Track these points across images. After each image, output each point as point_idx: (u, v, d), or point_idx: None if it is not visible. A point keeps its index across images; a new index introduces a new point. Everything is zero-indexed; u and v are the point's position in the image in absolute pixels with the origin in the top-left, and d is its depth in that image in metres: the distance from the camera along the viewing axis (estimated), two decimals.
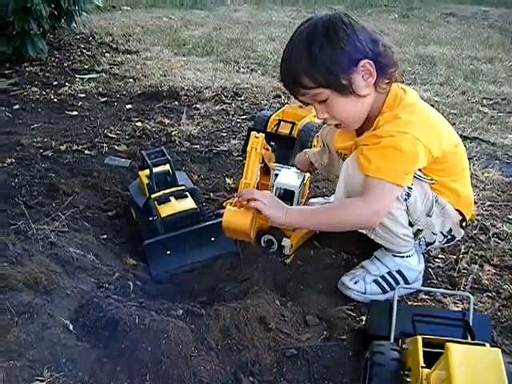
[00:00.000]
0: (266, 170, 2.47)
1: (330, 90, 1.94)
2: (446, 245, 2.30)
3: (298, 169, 2.56)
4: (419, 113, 1.99)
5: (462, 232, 2.24)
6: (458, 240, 2.48)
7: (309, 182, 2.69)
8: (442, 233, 2.17)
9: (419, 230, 2.12)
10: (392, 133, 1.91)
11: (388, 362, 1.56)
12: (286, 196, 2.35)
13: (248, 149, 2.10)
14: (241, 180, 2.06)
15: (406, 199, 2.01)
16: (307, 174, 2.59)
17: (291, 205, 2.32)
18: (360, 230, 2.15)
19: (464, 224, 2.18)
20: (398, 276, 2.16)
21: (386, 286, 2.16)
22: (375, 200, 1.96)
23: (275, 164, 2.52)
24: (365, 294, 2.14)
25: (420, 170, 2.01)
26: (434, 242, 2.19)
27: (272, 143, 2.38)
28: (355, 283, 2.16)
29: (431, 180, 2.05)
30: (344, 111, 2.02)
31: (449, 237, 2.20)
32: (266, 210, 2.00)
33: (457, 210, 2.13)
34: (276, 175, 2.46)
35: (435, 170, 2.04)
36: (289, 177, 2.42)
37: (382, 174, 1.92)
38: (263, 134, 2.13)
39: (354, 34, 1.90)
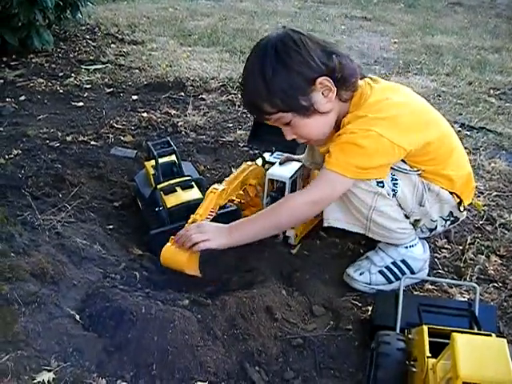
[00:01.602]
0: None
1: (291, 113, 1.95)
2: (451, 226, 2.31)
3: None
4: (386, 109, 1.94)
5: (465, 213, 2.26)
6: (465, 231, 2.50)
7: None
8: (442, 217, 2.18)
9: (417, 220, 2.14)
10: (354, 130, 1.91)
11: (394, 352, 1.57)
12: (282, 188, 2.34)
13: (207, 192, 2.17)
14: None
15: (394, 195, 2.03)
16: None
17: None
18: (355, 230, 2.18)
19: (464, 204, 2.18)
20: (402, 266, 2.16)
21: (391, 276, 2.16)
22: (315, 188, 2.02)
23: (277, 153, 2.52)
24: (370, 284, 2.14)
25: (405, 162, 2.01)
26: (436, 227, 2.20)
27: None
28: (360, 274, 2.16)
29: (417, 170, 2.04)
30: (309, 131, 2.03)
31: (451, 219, 2.21)
32: (212, 244, 2.02)
33: (453, 193, 2.13)
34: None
35: (421, 161, 2.03)
36: (282, 168, 2.39)
37: (334, 165, 1.93)
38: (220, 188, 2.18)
39: (306, 52, 1.88)
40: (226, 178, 2.30)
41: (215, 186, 2.22)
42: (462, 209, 2.18)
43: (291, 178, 2.30)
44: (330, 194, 2.01)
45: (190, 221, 2.11)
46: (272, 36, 1.93)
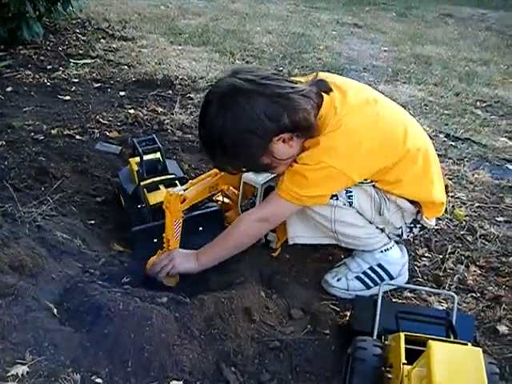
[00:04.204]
0: None
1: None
2: (420, 233, 2.36)
3: None
4: (343, 136, 1.91)
5: (432, 222, 2.23)
6: (446, 240, 2.51)
7: None
8: (405, 224, 2.18)
9: (381, 229, 2.15)
10: (305, 160, 1.93)
11: (370, 358, 1.57)
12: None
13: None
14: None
15: (350, 205, 2.04)
16: None
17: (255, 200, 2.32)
18: (326, 242, 2.23)
19: (425, 215, 2.15)
20: (379, 270, 2.17)
21: (368, 281, 2.17)
22: (265, 207, 2.10)
23: None
24: (348, 290, 2.15)
25: None
26: (402, 233, 2.21)
27: None
28: (338, 280, 2.17)
29: (370, 182, 2.04)
30: (278, 173, 2.11)
31: (418, 226, 2.21)
32: (178, 269, 2.11)
33: (414, 201, 2.11)
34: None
35: (373, 178, 2.03)
36: (258, 173, 2.33)
37: (283, 192, 1.99)
38: (178, 191, 2.14)
39: (258, 114, 1.85)
40: (191, 181, 2.28)
41: (174, 189, 2.20)
42: (421, 217, 2.15)
43: (264, 184, 2.28)
44: (276, 213, 2.08)
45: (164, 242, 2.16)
46: (219, 96, 1.91)
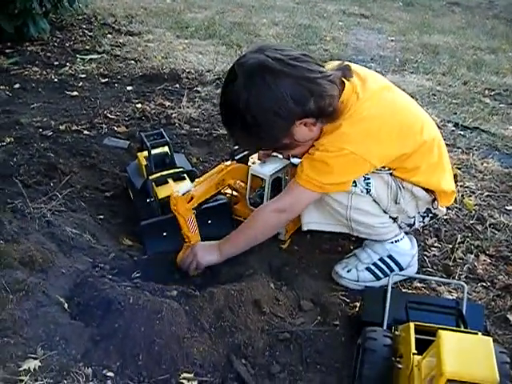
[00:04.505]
0: None
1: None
2: (431, 221, 2.36)
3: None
4: (364, 122, 1.92)
5: (444, 209, 2.27)
6: (456, 230, 2.51)
7: None
8: (419, 213, 2.19)
9: (394, 218, 2.15)
10: (328, 147, 1.93)
11: (380, 348, 1.57)
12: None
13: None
14: None
15: (367, 192, 2.04)
16: (294, 160, 2.42)
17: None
18: (338, 231, 2.22)
19: (440, 204, 2.18)
20: (389, 261, 2.17)
21: (378, 272, 2.17)
22: (284, 198, 2.09)
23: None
24: (358, 281, 2.15)
25: None
26: (415, 223, 2.22)
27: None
28: (348, 271, 2.17)
29: (388, 169, 2.05)
30: (294, 154, 2.15)
31: (430, 215, 2.22)
32: (202, 262, 2.13)
33: (429, 190, 2.13)
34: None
35: (391, 165, 2.04)
36: (266, 165, 2.33)
37: (303, 181, 1.98)
38: (182, 192, 2.14)
39: (284, 96, 1.85)
40: (197, 179, 2.26)
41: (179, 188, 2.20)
42: (436, 205, 2.17)
43: (272, 175, 2.27)
44: (295, 203, 2.08)
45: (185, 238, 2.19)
46: (244, 75, 1.89)
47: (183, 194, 2.11)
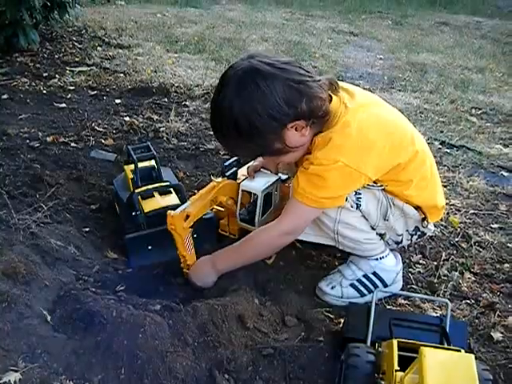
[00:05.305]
0: None
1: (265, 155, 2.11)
2: (418, 240, 2.34)
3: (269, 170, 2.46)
4: (356, 133, 1.91)
5: (432, 228, 2.28)
6: (441, 247, 2.52)
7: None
8: (407, 231, 2.20)
9: (382, 234, 2.15)
10: (322, 161, 1.92)
11: (363, 365, 1.57)
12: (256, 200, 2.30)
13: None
14: None
15: (357, 207, 2.04)
16: (282, 176, 2.49)
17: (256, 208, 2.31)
18: (326, 243, 2.21)
19: (429, 221, 2.19)
20: (374, 278, 2.17)
21: (363, 289, 2.17)
22: (286, 219, 2.07)
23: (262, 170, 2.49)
24: (342, 298, 2.15)
25: None
26: (402, 240, 2.22)
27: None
28: (332, 288, 2.17)
29: (380, 186, 2.05)
30: (287, 161, 2.16)
31: (418, 233, 2.23)
32: (203, 286, 2.16)
33: (419, 208, 2.14)
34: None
35: (384, 180, 2.03)
36: (256, 180, 2.35)
37: (301, 197, 1.98)
38: (178, 213, 2.11)
39: (276, 98, 1.85)
40: (192, 197, 2.24)
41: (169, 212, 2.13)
42: (426, 224, 2.19)
43: (263, 190, 2.27)
44: (300, 223, 2.09)
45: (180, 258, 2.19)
46: (235, 81, 1.89)
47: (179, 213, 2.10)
